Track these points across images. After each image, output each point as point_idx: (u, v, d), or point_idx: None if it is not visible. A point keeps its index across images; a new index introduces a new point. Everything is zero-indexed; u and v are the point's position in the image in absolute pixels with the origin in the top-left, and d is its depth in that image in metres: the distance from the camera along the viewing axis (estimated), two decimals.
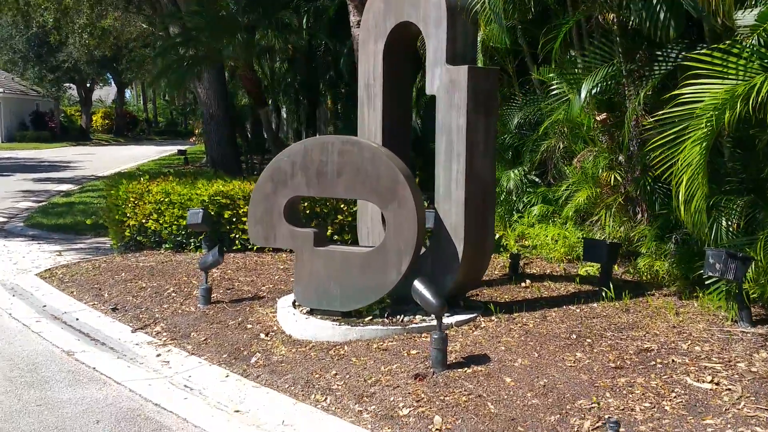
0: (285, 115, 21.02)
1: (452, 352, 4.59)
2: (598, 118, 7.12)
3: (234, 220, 8.31)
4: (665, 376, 4.19)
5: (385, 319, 5.25)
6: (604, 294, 5.91)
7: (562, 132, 7.94)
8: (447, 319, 5.22)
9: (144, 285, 6.81)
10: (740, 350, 4.60)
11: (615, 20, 6.69)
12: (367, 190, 5.16)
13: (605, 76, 6.37)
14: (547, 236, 7.94)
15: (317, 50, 15.76)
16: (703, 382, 4.10)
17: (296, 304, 5.62)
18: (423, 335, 5.01)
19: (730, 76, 4.42)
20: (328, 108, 17.12)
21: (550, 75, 7.26)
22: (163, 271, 7.33)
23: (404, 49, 6.14)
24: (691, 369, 4.29)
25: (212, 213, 8.04)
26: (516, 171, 9.00)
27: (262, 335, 5.29)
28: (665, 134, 4.47)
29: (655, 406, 3.81)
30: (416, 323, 5.17)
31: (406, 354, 4.67)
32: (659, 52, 5.83)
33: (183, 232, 8.42)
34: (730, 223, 5.64)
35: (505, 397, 3.99)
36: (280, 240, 5.38)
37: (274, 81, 17.08)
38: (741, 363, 4.36)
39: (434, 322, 5.00)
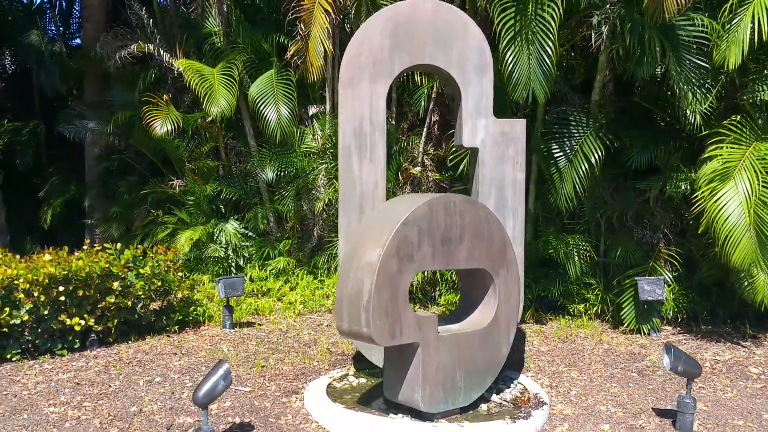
0: None
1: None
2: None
3: None
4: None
5: (502, 401, 4.59)
6: None
7: None
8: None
9: None
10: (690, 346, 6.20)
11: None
12: (483, 256, 4.39)
13: None
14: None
15: None
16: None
17: (377, 406, 4.22)
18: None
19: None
20: None
21: None
22: None
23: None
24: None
25: None
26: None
27: None
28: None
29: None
30: (531, 395, 4.78)
31: None
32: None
33: None
34: (580, 256, 7.14)
35: None
36: (407, 334, 3.94)
37: None
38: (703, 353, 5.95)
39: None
